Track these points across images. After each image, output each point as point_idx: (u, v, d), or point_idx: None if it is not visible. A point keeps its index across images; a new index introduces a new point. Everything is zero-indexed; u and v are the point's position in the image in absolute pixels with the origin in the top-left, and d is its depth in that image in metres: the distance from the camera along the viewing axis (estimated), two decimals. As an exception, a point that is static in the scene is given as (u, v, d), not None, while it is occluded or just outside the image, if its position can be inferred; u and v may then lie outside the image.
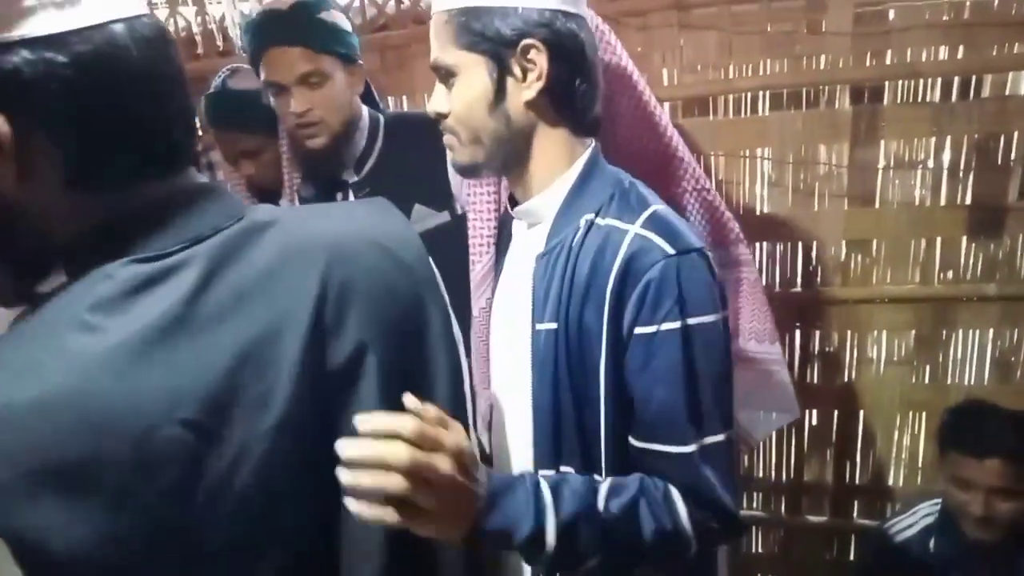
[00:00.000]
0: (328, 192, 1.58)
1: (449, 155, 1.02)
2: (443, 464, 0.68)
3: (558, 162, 0.98)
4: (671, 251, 0.87)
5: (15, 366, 0.55)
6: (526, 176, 1.00)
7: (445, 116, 0.98)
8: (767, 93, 1.84)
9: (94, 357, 0.55)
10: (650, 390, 0.88)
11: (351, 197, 1.57)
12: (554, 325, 0.93)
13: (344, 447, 0.62)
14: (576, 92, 0.94)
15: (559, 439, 0.94)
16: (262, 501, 0.60)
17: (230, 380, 0.59)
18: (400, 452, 0.65)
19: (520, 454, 1.02)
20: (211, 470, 0.58)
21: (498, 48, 0.91)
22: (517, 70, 0.92)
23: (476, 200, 1.26)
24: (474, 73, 0.93)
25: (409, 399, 0.67)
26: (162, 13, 2.13)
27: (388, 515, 0.65)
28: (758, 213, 1.92)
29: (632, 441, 0.91)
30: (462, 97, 0.95)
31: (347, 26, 1.51)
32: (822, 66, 1.78)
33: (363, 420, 0.63)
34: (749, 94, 1.85)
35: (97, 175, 0.60)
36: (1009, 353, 1.91)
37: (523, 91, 0.92)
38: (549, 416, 0.94)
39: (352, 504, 0.64)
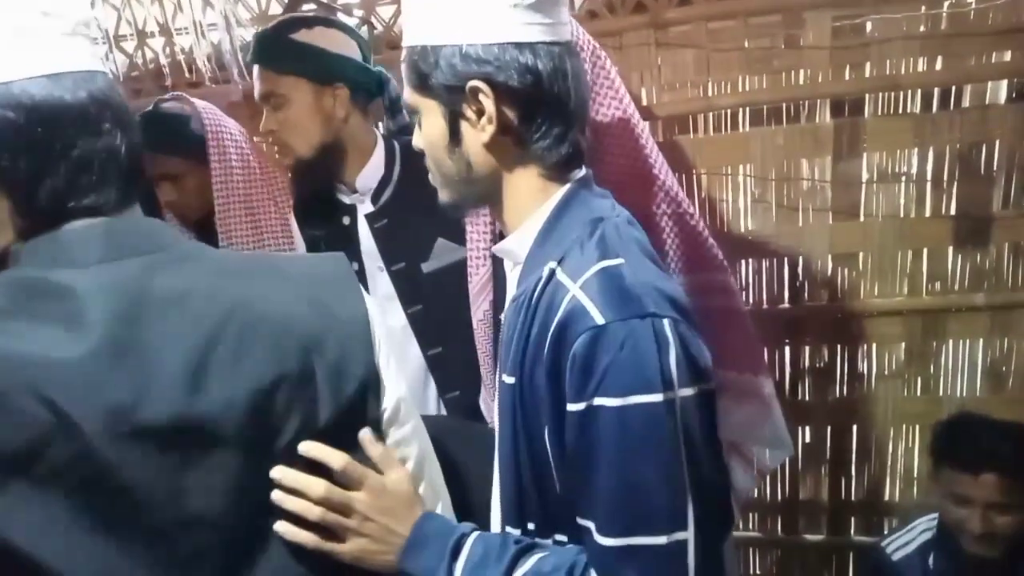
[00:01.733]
0: (331, 216, 1.54)
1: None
2: (358, 504, 0.79)
3: (529, 203, 0.90)
4: (600, 320, 0.76)
5: None
6: (503, 214, 0.94)
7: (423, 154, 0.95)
8: (747, 109, 1.82)
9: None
10: (582, 468, 0.79)
11: (367, 230, 1.53)
12: (513, 379, 0.86)
13: (276, 472, 0.73)
14: (538, 130, 0.86)
15: (521, 496, 0.88)
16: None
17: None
18: (317, 486, 0.76)
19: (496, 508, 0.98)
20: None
21: (445, 91, 0.85)
22: (469, 113, 0.85)
23: (473, 212, 1.24)
24: (430, 115, 0.89)
25: (364, 433, 0.77)
26: (130, 45, 2.09)
27: (305, 537, 0.76)
28: (743, 230, 1.90)
29: (575, 515, 0.82)
30: (425, 138, 0.91)
31: (334, 45, 1.44)
32: (801, 81, 1.77)
33: (286, 474, 0.74)
34: (729, 111, 1.83)
35: (32, 211, 0.67)
36: (1000, 363, 1.89)
37: (478, 134, 0.86)
38: (511, 472, 0.88)
39: (279, 524, 0.74)
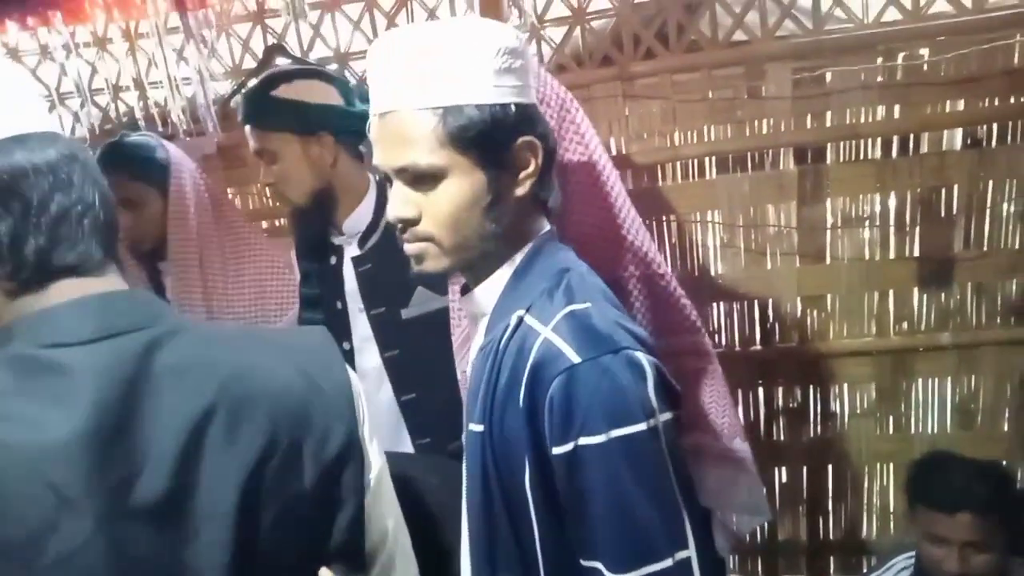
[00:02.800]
0: (321, 254, 1.57)
1: (414, 266, 0.94)
2: None
3: (513, 254, 0.92)
4: (575, 359, 0.78)
5: None
6: (478, 269, 0.95)
7: (414, 223, 0.89)
8: (713, 158, 1.86)
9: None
10: (579, 510, 0.80)
11: (351, 271, 1.55)
12: (481, 427, 0.87)
13: None
14: (551, 181, 0.93)
15: (494, 547, 0.88)
16: None
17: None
18: None
19: (467, 556, 0.97)
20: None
21: (496, 148, 0.86)
22: (512, 168, 0.88)
23: None
24: (467, 175, 0.86)
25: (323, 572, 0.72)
26: (104, 99, 2.10)
27: None
28: (713, 274, 1.93)
29: (579, 558, 0.83)
30: (454, 200, 0.87)
31: (314, 96, 1.47)
32: (765, 130, 1.82)
33: None
34: (696, 159, 1.87)
35: (19, 273, 0.67)
36: (968, 400, 1.93)
37: (517, 189, 0.89)
38: (482, 523, 0.88)
39: None
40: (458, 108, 0.84)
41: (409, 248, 0.92)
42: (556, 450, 0.79)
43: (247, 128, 1.49)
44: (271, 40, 1.99)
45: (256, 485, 0.69)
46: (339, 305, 1.57)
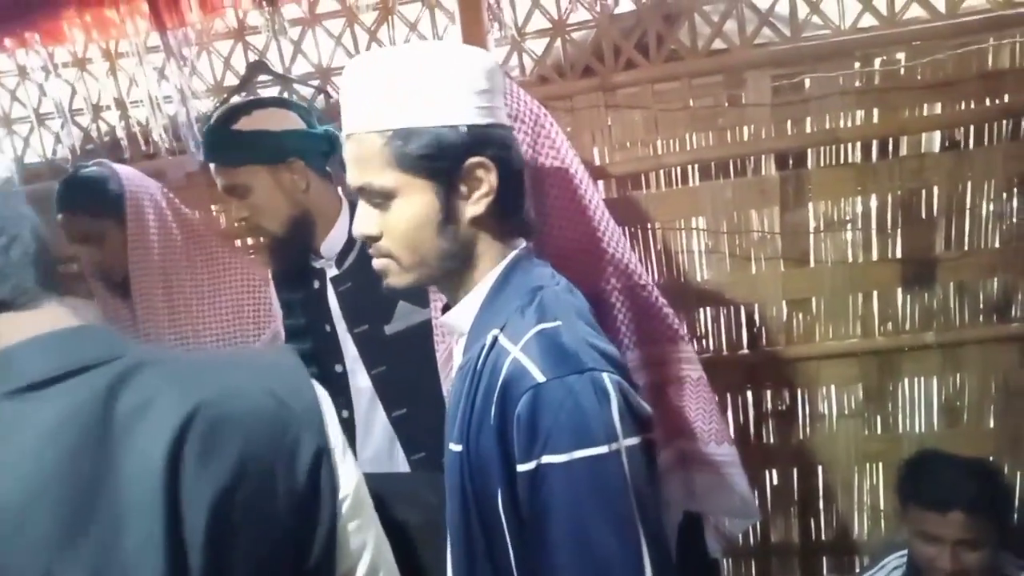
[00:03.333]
0: (303, 281, 1.57)
1: (385, 281, 0.97)
2: None
3: (483, 272, 0.95)
4: (541, 378, 0.80)
5: None
6: (453, 288, 0.98)
7: (376, 239, 0.94)
8: (695, 165, 1.87)
9: None
10: (538, 529, 0.80)
11: (331, 291, 1.55)
12: (460, 447, 0.88)
13: None
14: (510, 202, 0.93)
15: (473, 567, 0.88)
16: None
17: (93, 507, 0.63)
18: None
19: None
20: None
21: (443, 168, 0.88)
22: (463, 188, 0.90)
23: None
24: (417, 195, 0.89)
25: None
26: (85, 119, 2.09)
27: None
28: (698, 280, 1.94)
29: None
30: (405, 219, 0.90)
31: (276, 123, 1.47)
32: (746, 137, 1.83)
33: None
34: (678, 167, 1.88)
35: None
36: (954, 399, 1.95)
37: (469, 207, 0.90)
38: (462, 543, 0.89)
39: None
40: (405, 131, 0.87)
41: (375, 263, 0.96)
42: (521, 468, 0.81)
43: (212, 167, 1.48)
44: (252, 57, 1.99)
45: (229, 510, 0.68)
46: (327, 328, 1.56)
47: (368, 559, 0.83)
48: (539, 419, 0.79)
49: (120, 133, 2.08)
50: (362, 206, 0.94)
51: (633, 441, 0.81)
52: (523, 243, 0.98)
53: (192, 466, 0.67)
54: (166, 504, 0.65)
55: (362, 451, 1.57)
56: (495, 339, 0.87)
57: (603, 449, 0.78)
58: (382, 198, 0.91)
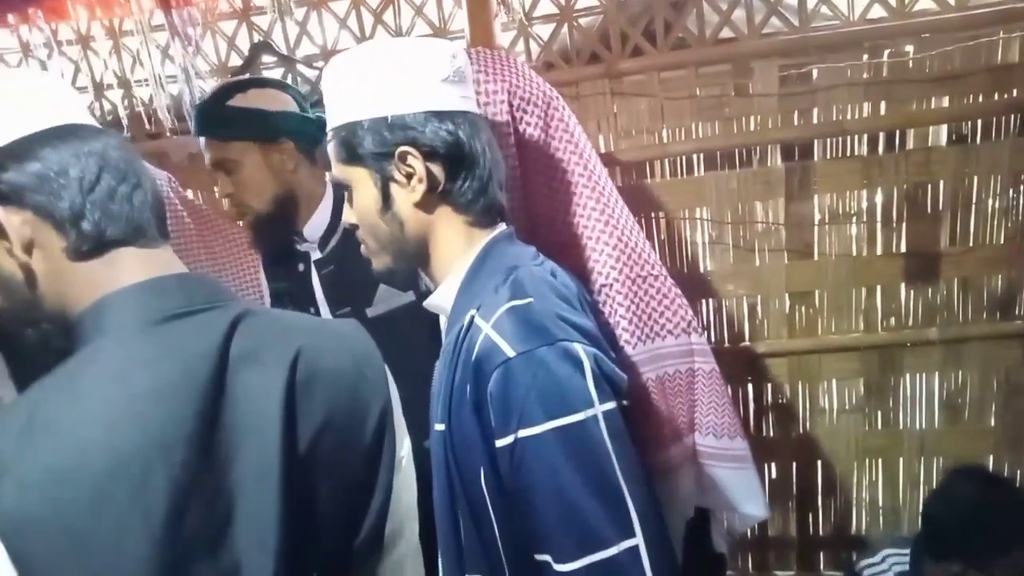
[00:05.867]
0: (289, 264, 1.57)
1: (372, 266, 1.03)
2: None
3: (455, 254, 0.97)
4: (510, 353, 0.81)
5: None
6: (431, 271, 1.01)
7: (356, 227, 1.01)
8: (701, 155, 1.86)
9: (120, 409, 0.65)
10: (524, 502, 0.81)
11: (315, 274, 1.55)
12: (443, 426, 0.89)
13: None
14: (462, 187, 0.95)
15: (459, 547, 0.89)
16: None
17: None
18: None
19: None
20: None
21: (376, 159, 0.93)
22: (399, 176, 0.94)
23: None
24: (361, 185, 0.96)
25: None
26: (87, 97, 2.08)
27: None
28: (702, 270, 1.93)
29: (532, 553, 0.83)
30: (358, 208, 0.98)
31: (272, 103, 1.47)
32: (752, 127, 1.82)
33: None
34: (684, 156, 1.87)
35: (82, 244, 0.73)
36: (955, 395, 1.94)
37: (409, 194, 0.94)
38: (449, 523, 0.90)
39: None
40: (343, 126, 0.95)
41: (361, 250, 1.03)
42: (499, 443, 0.82)
43: (202, 141, 1.48)
44: (257, 38, 1.98)
45: (319, 450, 0.75)
46: (312, 311, 1.56)
47: (410, 515, 0.87)
48: (512, 394, 0.80)
49: (123, 112, 2.07)
50: (346, 198, 1.01)
51: (610, 406, 0.82)
52: (503, 226, 1.00)
53: (301, 404, 0.74)
54: (283, 434, 0.71)
55: None
56: (472, 319, 0.89)
57: (580, 416, 0.80)
58: (345, 190, 0.99)
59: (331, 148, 0.98)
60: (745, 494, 1.33)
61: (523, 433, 0.79)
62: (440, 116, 0.93)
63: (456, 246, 0.97)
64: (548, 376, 0.80)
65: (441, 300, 1.00)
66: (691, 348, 1.31)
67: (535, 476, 0.79)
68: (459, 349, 0.88)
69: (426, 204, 0.95)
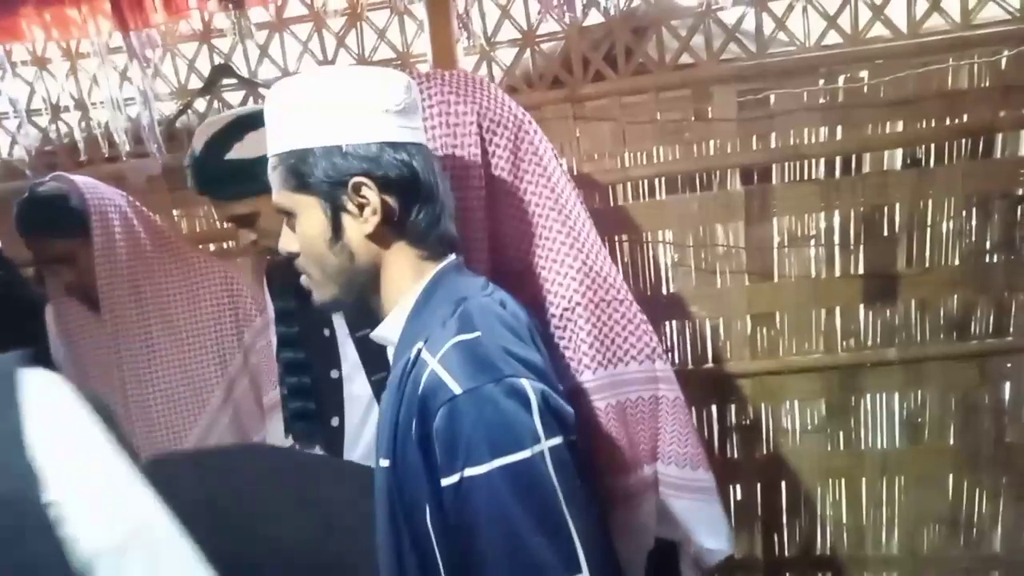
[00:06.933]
0: (305, 320, 1.49)
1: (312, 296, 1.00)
2: None
3: (405, 286, 0.96)
4: (457, 390, 0.80)
5: None
6: (379, 301, 0.99)
7: (296, 255, 0.98)
8: (662, 178, 1.88)
9: None
10: (470, 539, 0.79)
11: (345, 335, 1.47)
12: (388, 462, 0.88)
13: None
14: (416, 218, 0.94)
15: None
16: None
17: None
18: None
19: None
20: None
21: (328, 188, 0.91)
22: (351, 206, 0.92)
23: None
24: (308, 213, 0.93)
25: None
26: (43, 120, 2.04)
27: None
28: (664, 293, 1.94)
29: None
30: (303, 237, 0.95)
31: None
32: (712, 151, 1.84)
33: None
34: (645, 180, 1.89)
35: None
36: (916, 414, 1.96)
37: (361, 226, 0.92)
38: (392, 561, 0.88)
39: None
40: (292, 152, 0.92)
41: (302, 279, 1.00)
42: (445, 481, 0.80)
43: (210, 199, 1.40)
44: (218, 60, 1.96)
45: None
46: (326, 333, 1.51)
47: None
48: (458, 431, 0.79)
49: (79, 135, 2.03)
50: (284, 225, 0.99)
51: (556, 441, 0.82)
52: (452, 257, 0.98)
53: None
54: None
55: (350, 458, 1.53)
56: (418, 352, 0.87)
57: (526, 454, 0.79)
58: (288, 216, 0.96)
59: (275, 174, 0.95)
60: (708, 527, 1.28)
61: (469, 472, 0.78)
62: (395, 147, 0.92)
63: (406, 277, 0.96)
64: (495, 413, 0.79)
65: (387, 332, 0.98)
66: (655, 375, 1.29)
67: (481, 514, 0.78)
68: (405, 383, 0.87)
69: (378, 236, 0.93)
